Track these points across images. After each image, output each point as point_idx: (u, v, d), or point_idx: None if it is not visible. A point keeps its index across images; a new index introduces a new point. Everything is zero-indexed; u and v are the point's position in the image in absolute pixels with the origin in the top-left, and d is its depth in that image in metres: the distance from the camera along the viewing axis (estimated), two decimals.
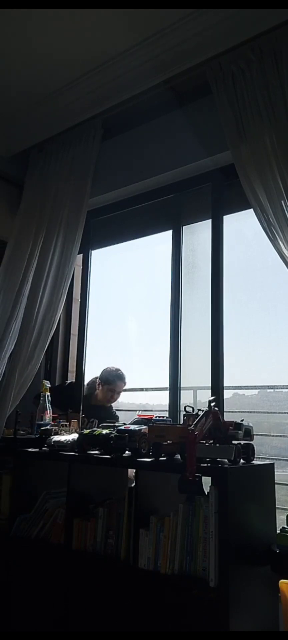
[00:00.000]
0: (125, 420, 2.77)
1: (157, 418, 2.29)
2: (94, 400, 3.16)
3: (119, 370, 3.10)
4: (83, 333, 3.34)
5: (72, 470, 2.32)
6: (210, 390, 2.65)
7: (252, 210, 2.34)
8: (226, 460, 1.95)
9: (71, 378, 3.47)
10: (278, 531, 2.09)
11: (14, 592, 2.46)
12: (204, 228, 2.89)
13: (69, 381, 3.44)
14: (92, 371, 3.36)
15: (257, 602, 1.98)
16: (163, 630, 1.90)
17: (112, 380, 3.08)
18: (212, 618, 1.77)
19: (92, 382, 3.29)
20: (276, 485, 2.23)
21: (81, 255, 3.42)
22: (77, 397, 3.26)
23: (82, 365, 3.29)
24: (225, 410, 2.65)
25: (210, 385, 2.65)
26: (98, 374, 3.23)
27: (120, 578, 2.09)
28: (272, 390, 2.70)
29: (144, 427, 2.18)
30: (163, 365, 2.91)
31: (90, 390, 3.24)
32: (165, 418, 2.35)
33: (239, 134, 2.40)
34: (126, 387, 3.18)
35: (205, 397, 2.69)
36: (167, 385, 2.90)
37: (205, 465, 1.89)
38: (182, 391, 2.86)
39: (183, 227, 3.02)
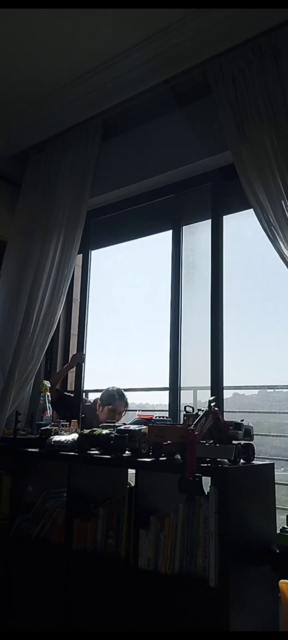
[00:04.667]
0: (126, 420, 2.76)
1: (157, 418, 2.29)
2: (96, 422, 3.05)
3: (120, 390, 3.05)
4: (83, 333, 3.33)
5: (72, 470, 2.32)
6: (210, 390, 2.65)
7: (252, 210, 2.34)
8: (226, 460, 1.95)
9: (72, 378, 3.46)
10: (278, 531, 2.09)
11: (14, 592, 2.46)
12: (204, 228, 2.89)
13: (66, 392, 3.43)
14: (91, 371, 3.36)
15: (257, 602, 1.98)
16: (163, 630, 1.90)
17: (113, 401, 3.02)
18: (212, 618, 1.77)
19: (91, 405, 3.24)
20: (276, 485, 2.23)
21: (81, 255, 3.41)
22: (76, 398, 3.27)
23: (81, 365, 3.29)
24: (225, 410, 2.65)
25: (210, 385, 2.65)
26: (96, 387, 3.18)
27: (120, 578, 2.09)
28: (272, 390, 2.70)
29: (144, 427, 2.17)
30: (164, 365, 2.92)
31: (91, 412, 3.17)
32: (165, 418, 2.35)
33: (239, 134, 2.40)
34: (128, 407, 3.08)
35: (205, 397, 2.69)
36: (167, 385, 2.90)
37: (205, 465, 1.89)
38: (182, 391, 2.86)
39: (183, 227, 3.02)
